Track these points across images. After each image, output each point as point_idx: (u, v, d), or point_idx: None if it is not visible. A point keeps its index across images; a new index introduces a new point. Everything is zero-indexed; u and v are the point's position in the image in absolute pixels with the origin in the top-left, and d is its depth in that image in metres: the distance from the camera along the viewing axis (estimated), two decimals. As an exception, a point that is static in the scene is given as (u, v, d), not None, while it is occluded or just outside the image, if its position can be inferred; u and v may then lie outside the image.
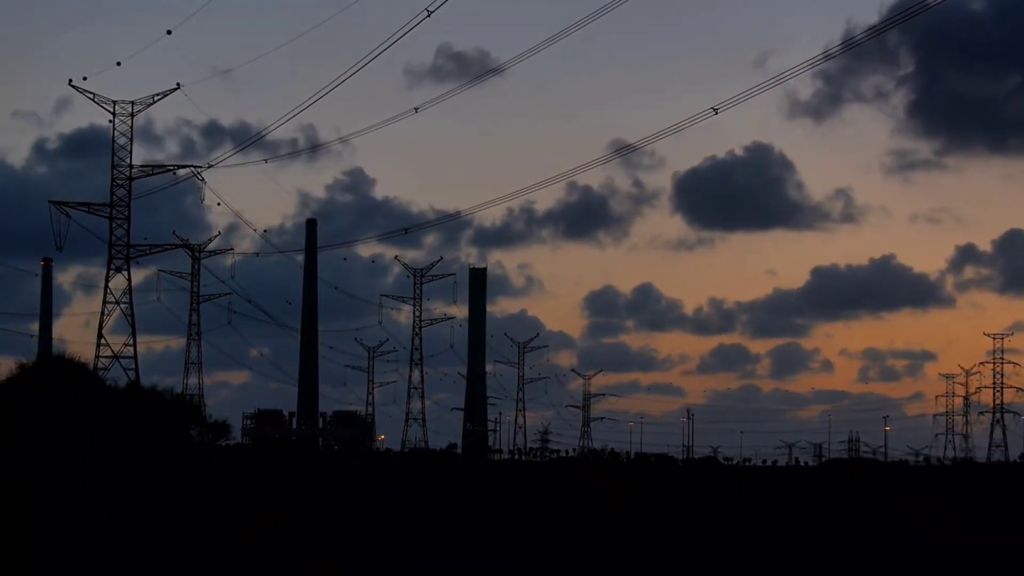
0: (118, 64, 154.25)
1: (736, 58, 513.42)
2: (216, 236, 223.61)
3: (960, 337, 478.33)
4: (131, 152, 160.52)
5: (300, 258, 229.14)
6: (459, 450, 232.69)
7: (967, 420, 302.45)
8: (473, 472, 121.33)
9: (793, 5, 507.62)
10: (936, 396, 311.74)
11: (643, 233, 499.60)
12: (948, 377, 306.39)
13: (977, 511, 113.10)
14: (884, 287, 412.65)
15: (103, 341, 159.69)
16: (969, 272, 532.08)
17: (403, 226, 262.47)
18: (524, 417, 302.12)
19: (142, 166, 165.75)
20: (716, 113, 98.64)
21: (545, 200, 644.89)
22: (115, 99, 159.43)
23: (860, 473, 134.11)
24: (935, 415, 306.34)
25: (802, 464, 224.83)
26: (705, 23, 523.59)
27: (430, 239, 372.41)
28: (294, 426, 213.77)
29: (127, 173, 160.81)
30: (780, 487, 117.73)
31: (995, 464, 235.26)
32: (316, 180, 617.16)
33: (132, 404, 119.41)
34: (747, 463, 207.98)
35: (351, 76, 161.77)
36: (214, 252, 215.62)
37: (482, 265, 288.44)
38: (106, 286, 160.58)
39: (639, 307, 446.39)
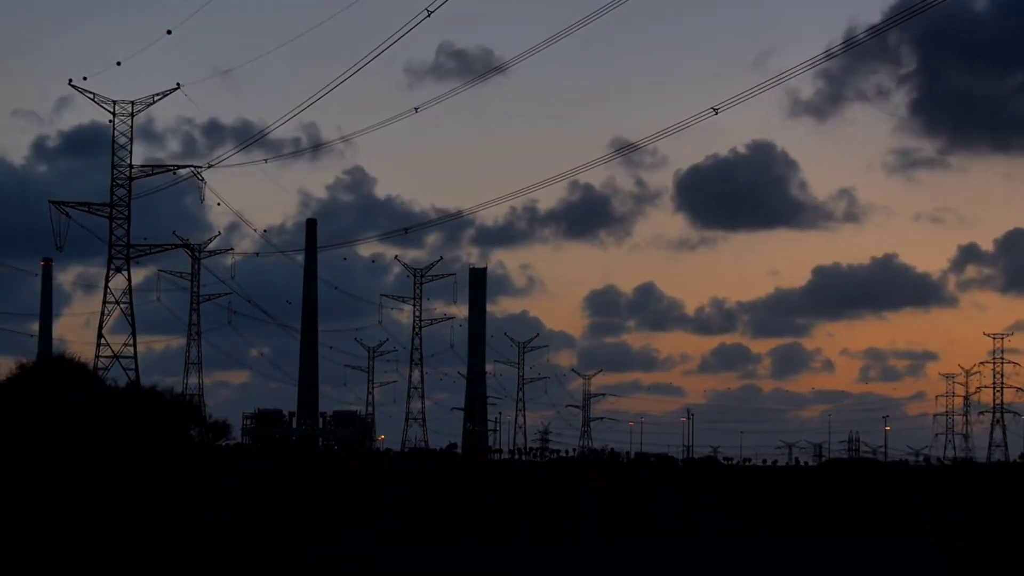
0: (118, 64, 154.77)
1: (736, 57, 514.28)
2: (216, 236, 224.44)
3: (962, 337, 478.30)
4: (131, 152, 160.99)
5: (300, 258, 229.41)
6: (459, 450, 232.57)
7: (967, 420, 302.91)
8: (473, 472, 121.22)
9: (794, 4, 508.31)
10: (936, 396, 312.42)
11: (645, 233, 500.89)
12: (948, 377, 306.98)
13: (977, 511, 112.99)
14: (886, 287, 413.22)
15: (103, 341, 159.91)
16: (971, 271, 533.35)
17: (404, 225, 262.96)
18: (524, 417, 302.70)
19: (142, 166, 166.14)
20: (716, 113, 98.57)
21: (546, 199, 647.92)
22: (115, 99, 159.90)
23: (860, 473, 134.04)
24: (935, 415, 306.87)
25: (802, 464, 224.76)
26: (705, 23, 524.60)
27: (431, 239, 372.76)
28: (294, 426, 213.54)
29: (127, 173, 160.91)
30: (780, 487, 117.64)
31: (995, 464, 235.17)
32: (317, 179, 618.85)
33: (132, 404, 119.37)
34: (747, 463, 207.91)
35: (352, 75, 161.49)
36: (214, 252, 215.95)
37: (483, 265, 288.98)
38: (106, 286, 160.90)
39: (640, 307, 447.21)
